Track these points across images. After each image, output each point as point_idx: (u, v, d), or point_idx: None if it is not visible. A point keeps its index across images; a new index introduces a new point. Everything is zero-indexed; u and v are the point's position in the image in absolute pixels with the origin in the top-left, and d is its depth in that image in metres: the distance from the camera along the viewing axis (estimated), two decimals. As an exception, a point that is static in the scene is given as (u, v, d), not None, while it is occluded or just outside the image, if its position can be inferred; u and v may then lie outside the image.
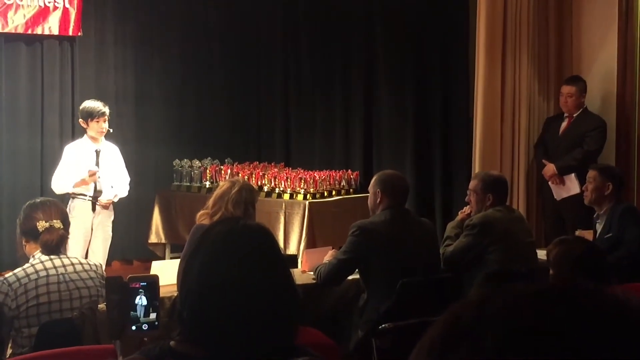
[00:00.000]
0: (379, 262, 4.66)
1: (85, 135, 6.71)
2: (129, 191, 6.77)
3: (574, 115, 7.00)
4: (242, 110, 9.44)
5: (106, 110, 6.66)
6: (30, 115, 8.16)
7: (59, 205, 4.22)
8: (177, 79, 9.02)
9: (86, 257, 6.27)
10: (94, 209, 6.60)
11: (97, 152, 6.59)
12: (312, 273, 5.07)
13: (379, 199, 4.86)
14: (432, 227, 5.15)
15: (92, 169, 6.52)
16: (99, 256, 6.53)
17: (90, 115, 6.60)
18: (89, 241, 6.63)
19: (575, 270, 3.56)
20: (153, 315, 2.41)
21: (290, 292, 1.99)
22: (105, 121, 6.63)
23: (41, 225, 3.93)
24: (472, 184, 5.35)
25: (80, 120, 6.72)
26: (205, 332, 1.89)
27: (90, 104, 6.72)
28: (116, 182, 6.76)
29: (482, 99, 7.30)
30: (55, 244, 3.97)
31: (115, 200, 6.78)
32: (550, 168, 6.94)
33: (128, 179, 6.92)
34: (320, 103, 9.05)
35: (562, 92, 7.07)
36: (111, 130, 6.75)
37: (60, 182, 6.61)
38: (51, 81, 8.25)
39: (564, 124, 7.05)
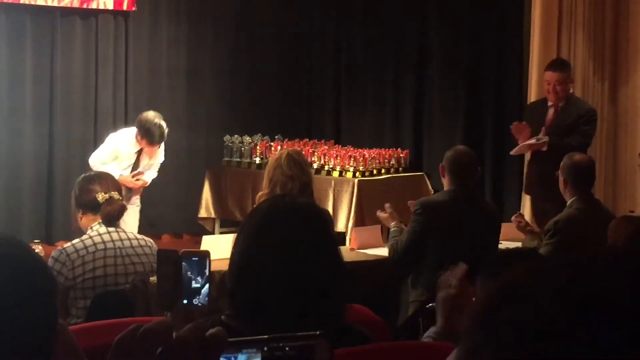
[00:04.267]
0: (433, 241, 4.56)
1: (134, 135, 6.27)
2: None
3: (560, 104, 6.17)
4: (293, 87, 9.45)
5: (165, 138, 6.27)
6: (84, 89, 8.27)
7: (113, 178, 4.25)
8: (229, 56, 9.05)
9: None
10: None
11: (138, 153, 6.34)
12: (360, 251, 5.05)
13: (443, 176, 4.68)
14: (494, 212, 4.96)
15: (141, 176, 6.31)
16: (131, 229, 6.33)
17: (151, 140, 6.18)
18: None
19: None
20: (204, 290, 2.43)
21: (338, 270, 1.98)
22: (159, 147, 6.36)
23: (101, 196, 3.94)
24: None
25: (136, 132, 6.21)
26: (248, 308, 1.90)
27: (153, 128, 6.15)
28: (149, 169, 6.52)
29: (537, 79, 7.21)
30: (117, 215, 4.00)
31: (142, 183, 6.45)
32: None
33: (162, 159, 6.62)
34: (371, 81, 9.02)
35: (548, 79, 6.17)
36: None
37: (99, 166, 6.10)
38: (105, 56, 8.34)
39: (550, 114, 6.20)
